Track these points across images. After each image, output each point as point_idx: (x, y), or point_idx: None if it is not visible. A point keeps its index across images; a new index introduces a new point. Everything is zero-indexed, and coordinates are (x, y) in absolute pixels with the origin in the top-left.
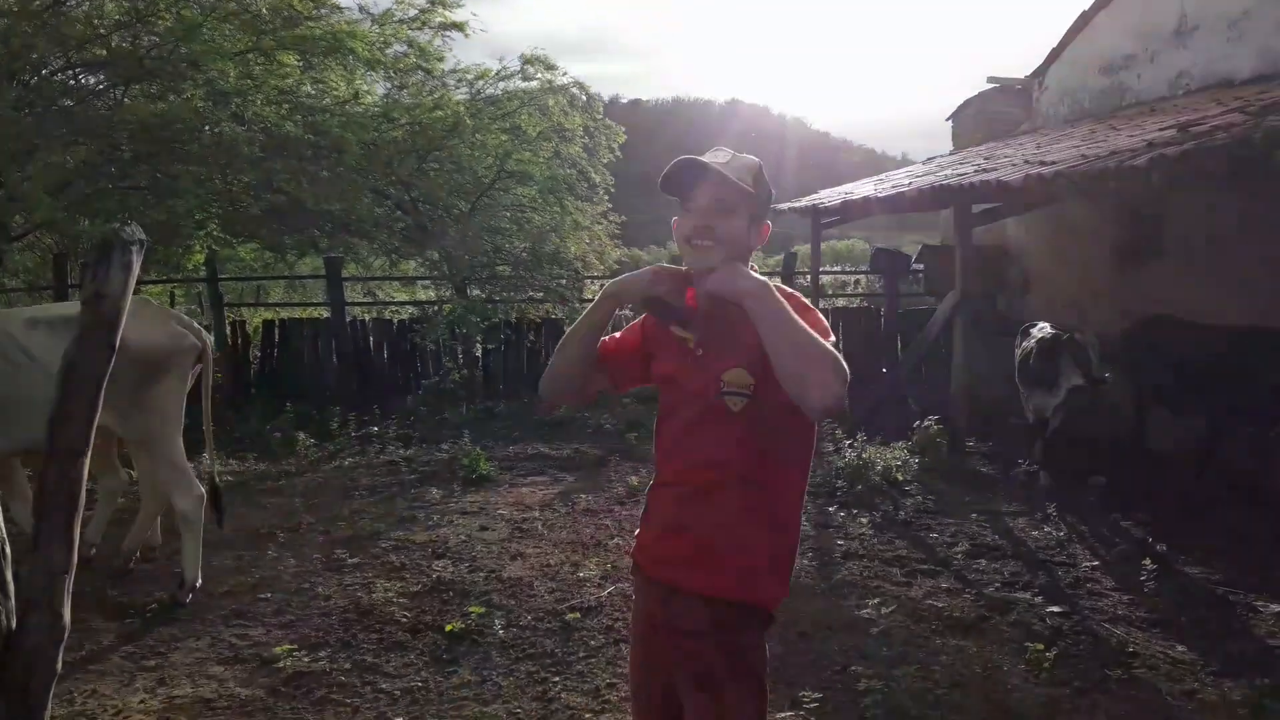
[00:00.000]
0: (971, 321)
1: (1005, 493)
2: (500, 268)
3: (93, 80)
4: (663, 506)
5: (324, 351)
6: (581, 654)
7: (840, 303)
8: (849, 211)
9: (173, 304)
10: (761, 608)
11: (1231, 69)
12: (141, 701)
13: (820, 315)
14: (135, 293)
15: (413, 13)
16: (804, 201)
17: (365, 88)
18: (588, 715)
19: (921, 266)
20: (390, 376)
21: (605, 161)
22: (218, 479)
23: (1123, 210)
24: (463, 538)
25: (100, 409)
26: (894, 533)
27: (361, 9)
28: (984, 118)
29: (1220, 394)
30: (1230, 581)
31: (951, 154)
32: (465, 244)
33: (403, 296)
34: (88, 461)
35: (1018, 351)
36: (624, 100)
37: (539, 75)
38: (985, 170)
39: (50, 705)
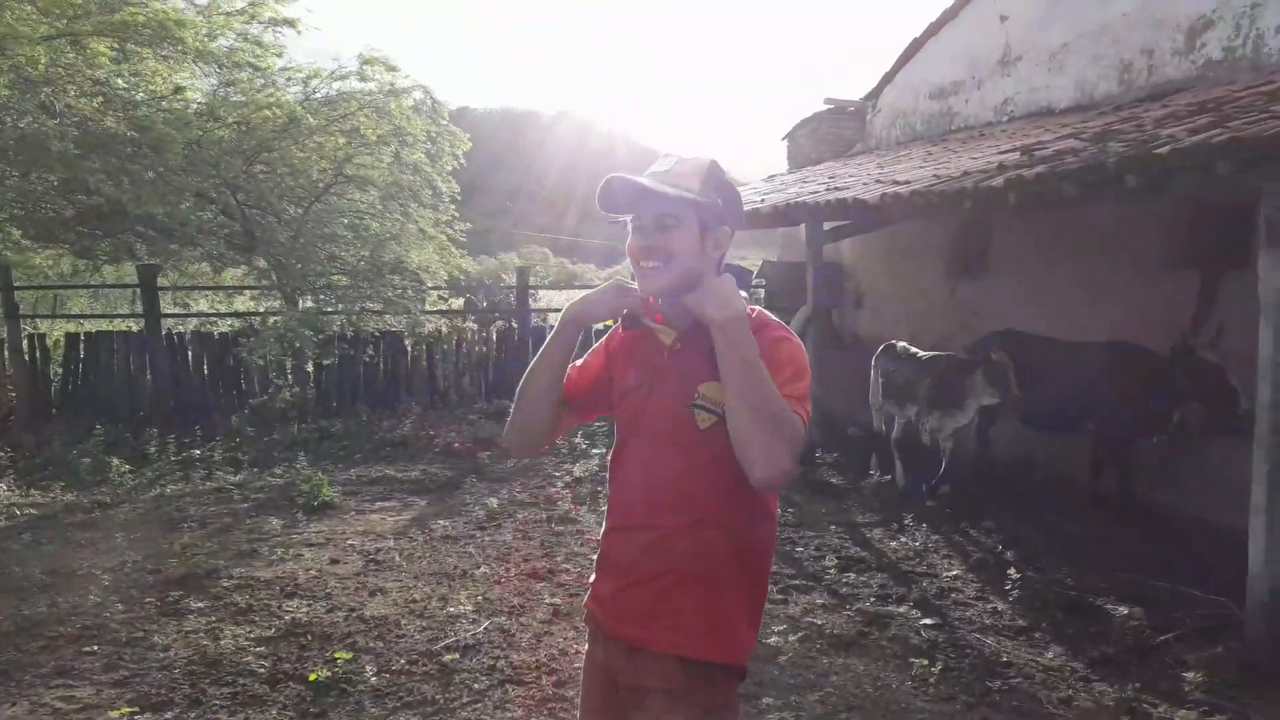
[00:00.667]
0: (820, 335)
1: (859, 503)
2: (336, 277)
3: None
4: (622, 552)
5: (137, 367)
6: (465, 699)
7: None
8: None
9: None
10: (736, 664)
11: (1052, 98)
12: None
13: (800, 349)
14: None
15: (240, 4)
16: None
17: (190, 82)
18: None
19: (764, 281)
20: (212, 394)
21: (450, 169)
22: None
23: (952, 229)
24: (313, 573)
25: None
26: None
27: None
28: (818, 138)
29: (1071, 405)
30: (1080, 586)
31: (791, 172)
32: (297, 251)
33: (228, 307)
34: None
35: (884, 369)
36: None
37: (378, 77)
38: (836, 189)
39: None
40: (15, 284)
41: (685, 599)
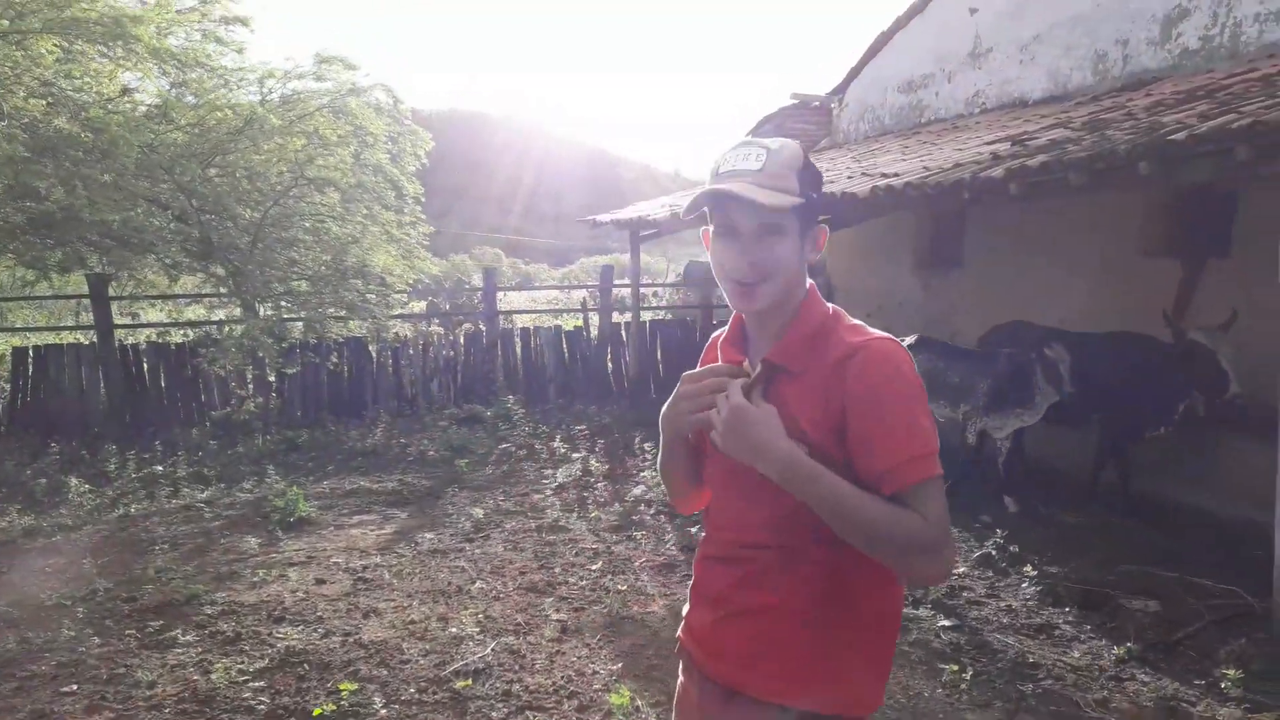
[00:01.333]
0: None
1: None
2: (297, 282)
3: None
4: (712, 582)
5: (90, 382)
6: None
7: (647, 316)
8: (673, 225)
9: None
10: (852, 717)
11: (1024, 90)
12: None
13: (909, 371)
14: None
15: (191, 1)
16: (625, 213)
17: (139, 83)
18: None
19: None
20: (170, 407)
21: (413, 169)
22: None
23: (923, 222)
24: (300, 595)
25: None
26: None
27: None
28: (784, 132)
29: (1080, 397)
30: (1089, 579)
31: None
32: (256, 257)
33: (182, 316)
34: None
35: (925, 366)
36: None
37: (336, 76)
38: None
39: None
40: None
41: (788, 637)
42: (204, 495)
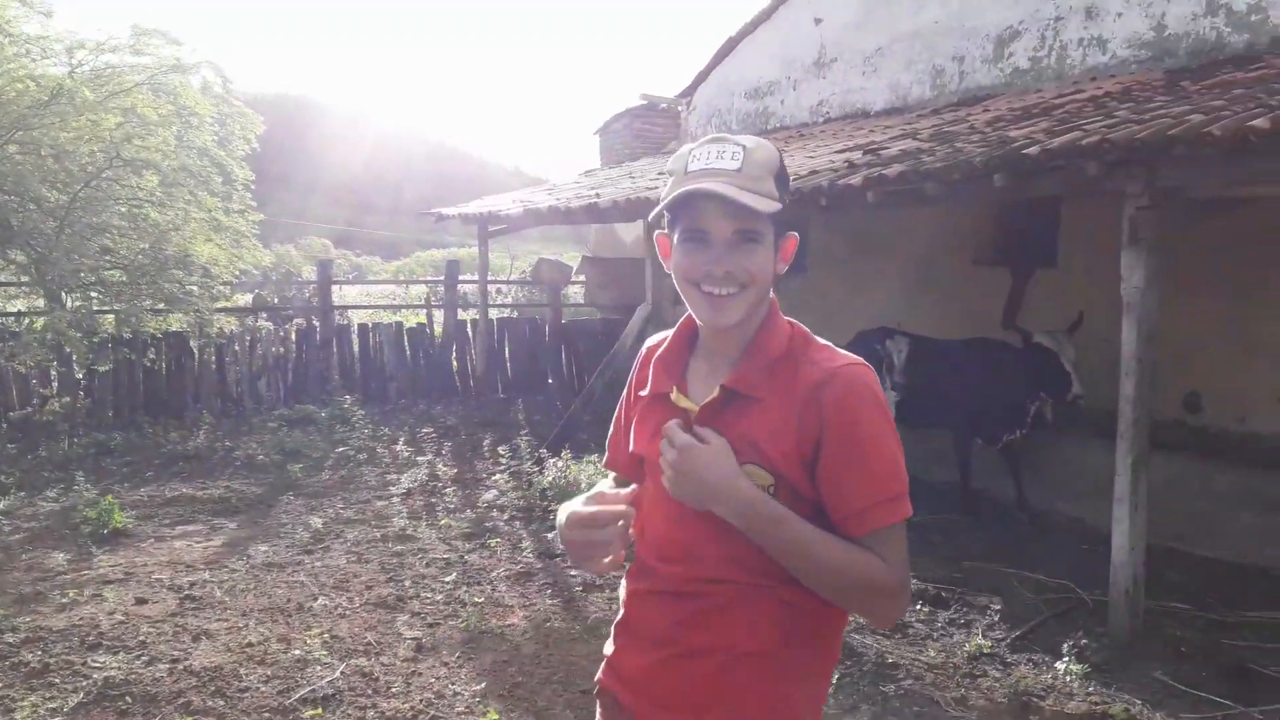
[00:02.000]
0: (654, 330)
1: None
2: (110, 272)
3: None
4: (652, 619)
5: None
6: None
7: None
8: (525, 221)
9: None
10: None
11: (867, 101)
12: None
13: (881, 401)
14: None
15: None
16: (474, 207)
17: None
18: None
19: (583, 278)
20: None
21: (242, 154)
22: None
23: None
24: (118, 617)
25: None
26: None
27: None
28: (632, 133)
29: (941, 401)
30: (933, 578)
31: (612, 167)
32: (63, 244)
33: None
34: None
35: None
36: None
37: (156, 50)
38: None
39: None
40: None
41: (745, 681)
42: (1, 506)
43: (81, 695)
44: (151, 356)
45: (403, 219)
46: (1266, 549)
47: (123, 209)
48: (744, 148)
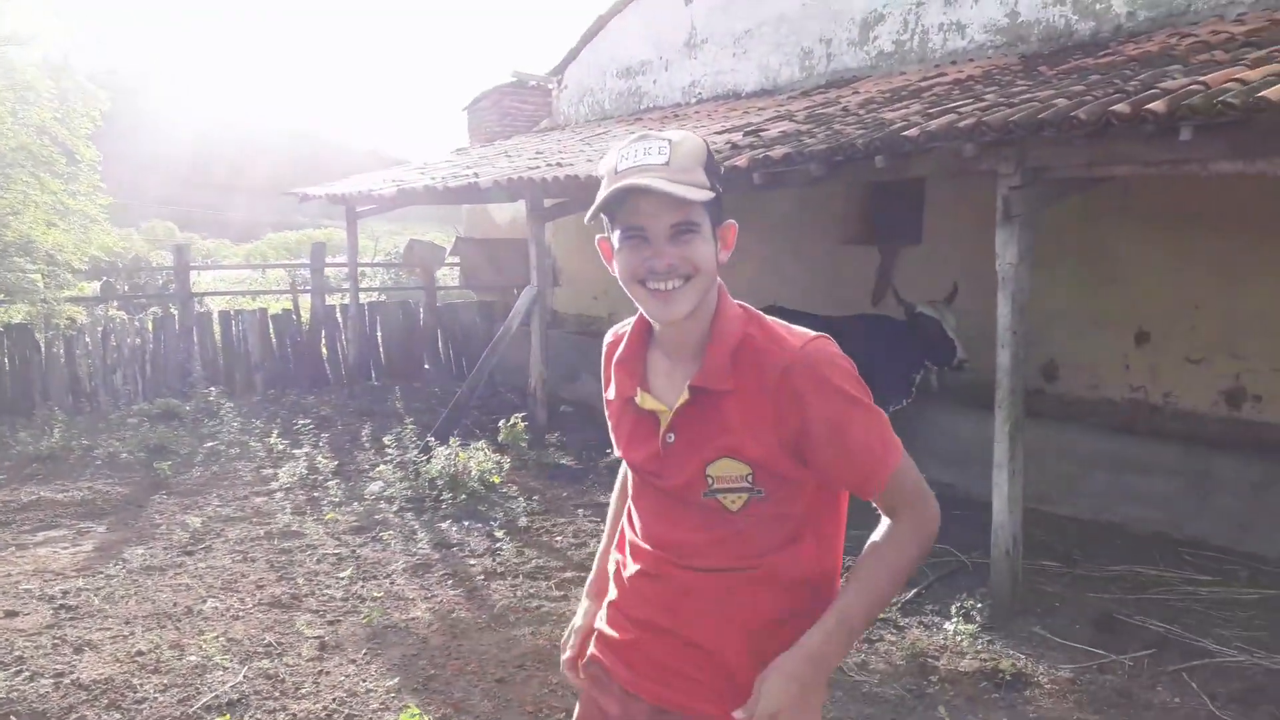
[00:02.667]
0: (539, 313)
1: (598, 483)
2: None
3: None
4: (642, 597)
5: None
6: None
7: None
8: (397, 202)
9: None
10: None
11: (738, 82)
12: None
13: (858, 382)
14: None
15: None
16: (342, 187)
17: None
18: None
19: (458, 259)
20: None
21: (86, 132)
22: None
23: None
24: None
25: None
26: (519, 541)
27: None
28: (501, 110)
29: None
30: None
31: (485, 146)
32: None
33: None
34: None
35: None
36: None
37: None
38: (560, 164)
39: None
40: None
41: (730, 659)
42: None
43: None
44: None
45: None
46: (1120, 506)
47: None
48: (670, 141)
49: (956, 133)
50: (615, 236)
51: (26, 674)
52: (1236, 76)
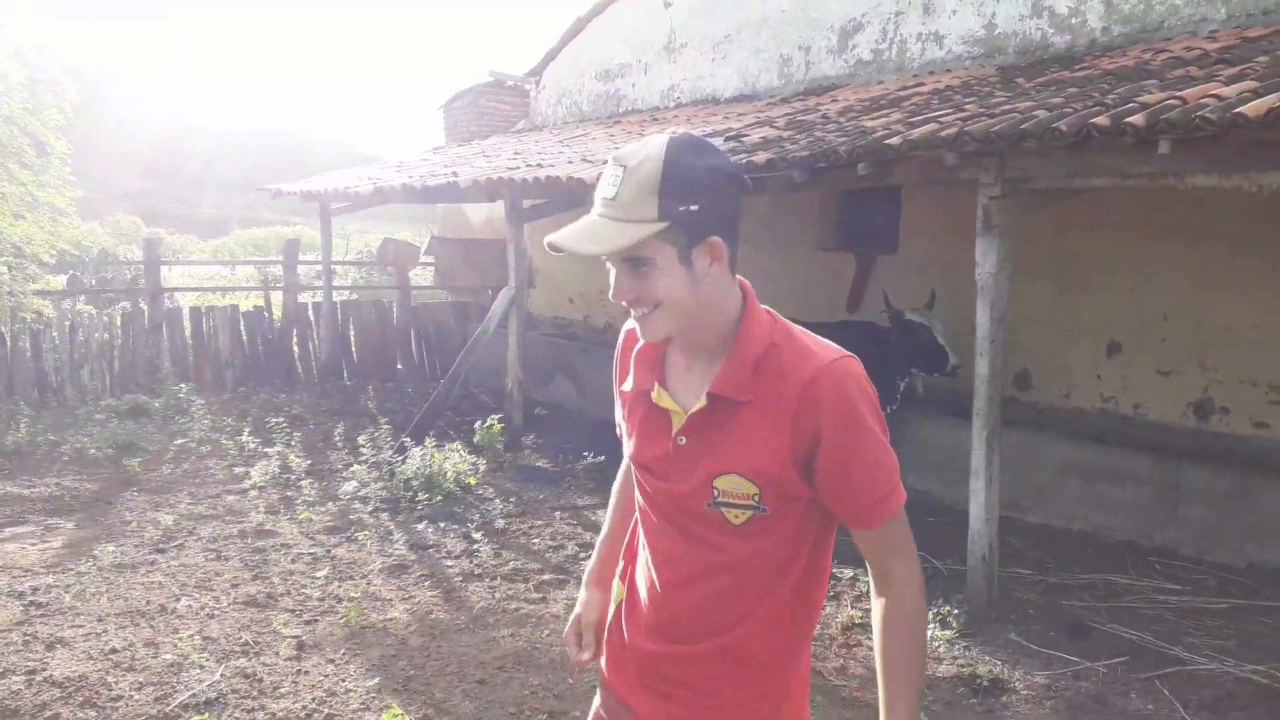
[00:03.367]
0: (517, 315)
1: (575, 486)
2: None
3: None
4: (652, 608)
5: None
6: None
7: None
8: (372, 200)
9: None
10: None
11: (717, 87)
12: None
13: (877, 408)
14: None
15: None
16: (317, 184)
17: None
18: None
19: (432, 259)
20: None
21: (56, 124)
22: None
23: None
24: None
25: None
26: (496, 543)
27: None
28: (478, 110)
29: None
30: None
31: (462, 145)
32: None
33: None
34: None
35: None
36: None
37: None
38: (540, 165)
39: None
40: None
41: (742, 675)
42: None
43: None
44: None
45: (220, 195)
46: (1091, 514)
47: None
48: (625, 168)
49: (939, 142)
50: None
51: None
52: (1213, 92)
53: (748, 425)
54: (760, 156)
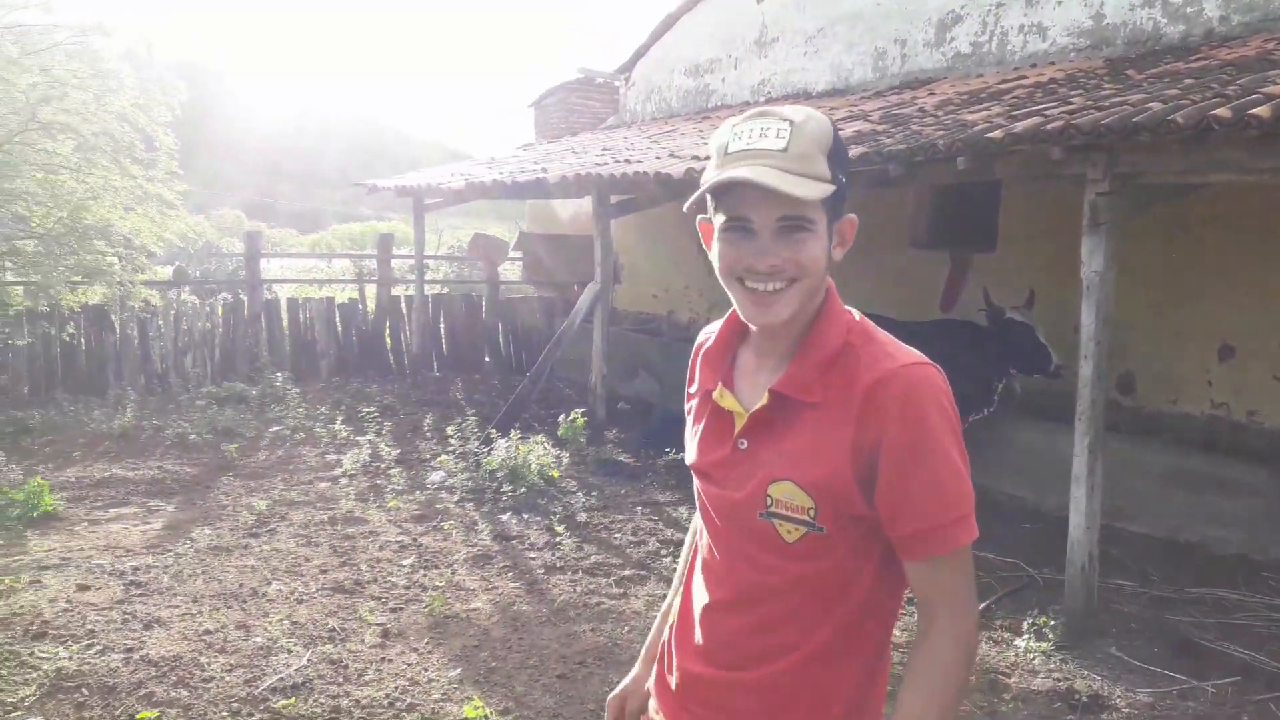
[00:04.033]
0: (602, 310)
1: (656, 482)
2: (23, 242)
3: None
4: (707, 632)
5: None
6: None
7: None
8: (464, 196)
9: None
10: None
11: (808, 81)
12: None
13: (952, 410)
14: None
15: None
16: (411, 180)
17: None
18: None
19: (521, 254)
20: None
21: (165, 120)
22: None
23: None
24: (61, 605)
25: None
26: (578, 536)
27: None
28: (568, 108)
29: None
30: None
31: (552, 142)
32: None
33: None
34: None
35: None
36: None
37: (69, 9)
38: (629, 161)
39: None
40: None
41: (801, 685)
42: None
43: (34, 688)
44: (71, 331)
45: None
46: (1198, 525)
47: (38, 175)
48: (791, 123)
49: (1044, 135)
50: (717, 222)
51: (97, 648)
52: None
53: (811, 430)
54: (854, 151)
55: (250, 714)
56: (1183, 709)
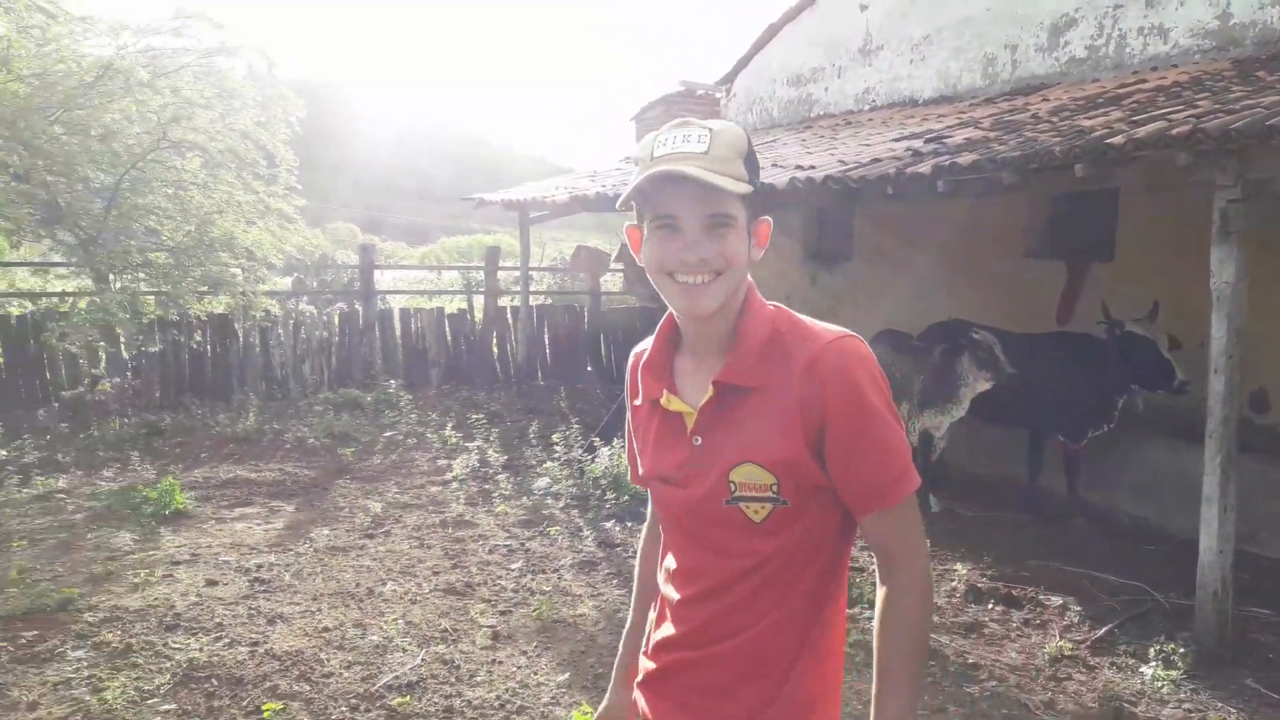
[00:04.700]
0: None
1: None
2: (155, 254)
3: None
4: (683, 622)
5: None
6: None
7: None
8: (568, 208)
9: None
10: None
11: (914, 89)
12: None
13: (883, 380)
14: None
15: None
16: (516, 193)
17: None
18: None
19: (622, 266)
20: (10, 385)
21: (284, 136)
22: None
23: (809, 217)
24: (191, 599)
25: None
26: None
27: None
28: (670, 120)
29: (1023, 398)
30: (1003, 576)
31: None
32: (111, 224)
33: (10, 285)
34: None
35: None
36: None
37: (199, 33)
38: None
39: None
40: None
41: (771, 657)
42: (60, 484)
43: (167, 677)
44: (198, 338)
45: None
46: None
47: (169, 190)
48: (710, 130)
49: (1169, 140)
50: (645, 225)
51: (225, 640)
52: None
53: (758, 413)
54: (965, 158)
55: (368, 710)
56: None
